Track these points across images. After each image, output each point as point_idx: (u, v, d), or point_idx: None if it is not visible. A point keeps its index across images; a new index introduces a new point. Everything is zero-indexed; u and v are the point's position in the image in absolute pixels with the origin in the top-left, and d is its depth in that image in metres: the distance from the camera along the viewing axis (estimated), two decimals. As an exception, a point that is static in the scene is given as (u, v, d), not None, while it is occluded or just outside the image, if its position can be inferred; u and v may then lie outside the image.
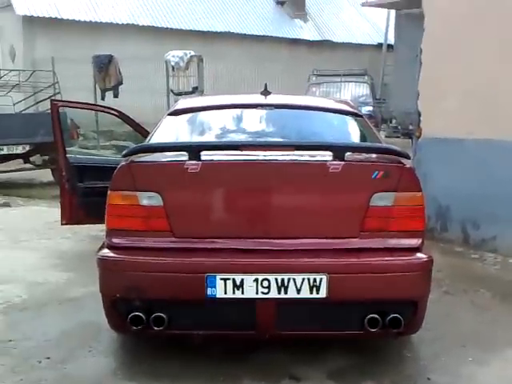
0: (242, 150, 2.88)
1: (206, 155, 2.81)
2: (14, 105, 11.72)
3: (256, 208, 2.84)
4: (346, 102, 4.01)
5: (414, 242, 2.86)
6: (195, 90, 12.38)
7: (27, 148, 9.65)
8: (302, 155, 2.93)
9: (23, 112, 11.75)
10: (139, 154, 2.94)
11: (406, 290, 2.80)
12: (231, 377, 2.98)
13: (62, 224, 4.91)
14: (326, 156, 2.84)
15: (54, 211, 5.44)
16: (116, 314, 2.85)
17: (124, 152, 2.93)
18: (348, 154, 2.84)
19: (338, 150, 2.82)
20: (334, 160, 2.80)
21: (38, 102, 12.75)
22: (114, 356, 3.28)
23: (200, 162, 2.77)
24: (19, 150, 9.64)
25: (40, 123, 8.73)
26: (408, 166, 2.86)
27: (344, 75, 14.57)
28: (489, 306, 4.10)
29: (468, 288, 4.43)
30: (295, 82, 15.70)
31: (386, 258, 2.81)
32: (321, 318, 2.84)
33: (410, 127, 14.26)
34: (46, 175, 9.77)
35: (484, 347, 3.39)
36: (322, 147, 2.96)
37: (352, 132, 3.76)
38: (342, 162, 2.78)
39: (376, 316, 2.74)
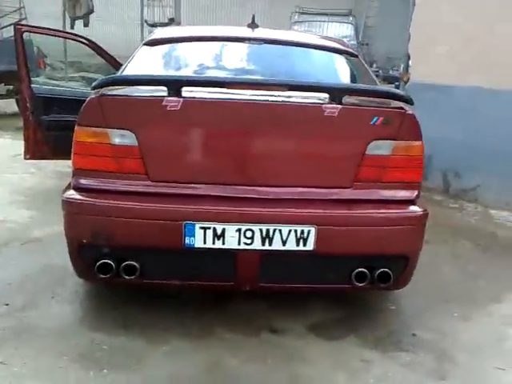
0: (228, 88, 2.59)
1: (187, 91, 2.53)
2: (-25, 30, 11.07)
3: (241, 152, 2.58)
4: (339, 41, 3.71)
5: (410, 194, 2.67)
6: (171, 22, 11.78)
7: (-10, 76, 9.14)
8: (294, 96, 2.65)
9: (-14, 38, 11.10)
10: (111, 87, 2.62)
11: (399, 244, 2.63)
12: (207, 328, 2.81)
13: (25, 158, 4.63)
14: (322, 98, 2.59)
15: (18, 144, 5.09)
16: (82, 261, 2.62)
17: (94, 83, 2.59)
18: (345, 96, 2.58)
19: (336, 92, 2.56)
20: (330, 103, 2.55)
21: (2, 28, 12.06)
22: (79, 303, 3.06)
23: (181, 99, 2.49)
24: (-19, 78, 9.11)
25: (4, 50, 8.21)
26: (410, 112, 2.62)
27: (328, 15, 14.09)
28: (470, 258, 4.02)
29: (448, 238, 4.35)
30: (277, 19, 15.08)
31: (380, 211, 2.61)
32: (306, 271, 2.66)
33: (391, 72, 14.09)
34: (10, 106, 9.35)
35: (467, 302, 3.31)
36: (318, 88, 2.67)
37: (348, 73, 3.49)
38: (340, 106, 2.53)
39: (364, 270, 2.58)
